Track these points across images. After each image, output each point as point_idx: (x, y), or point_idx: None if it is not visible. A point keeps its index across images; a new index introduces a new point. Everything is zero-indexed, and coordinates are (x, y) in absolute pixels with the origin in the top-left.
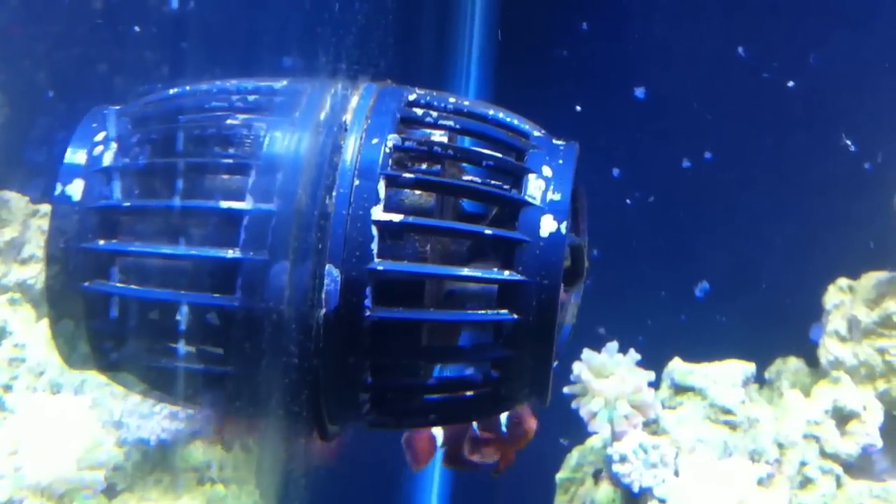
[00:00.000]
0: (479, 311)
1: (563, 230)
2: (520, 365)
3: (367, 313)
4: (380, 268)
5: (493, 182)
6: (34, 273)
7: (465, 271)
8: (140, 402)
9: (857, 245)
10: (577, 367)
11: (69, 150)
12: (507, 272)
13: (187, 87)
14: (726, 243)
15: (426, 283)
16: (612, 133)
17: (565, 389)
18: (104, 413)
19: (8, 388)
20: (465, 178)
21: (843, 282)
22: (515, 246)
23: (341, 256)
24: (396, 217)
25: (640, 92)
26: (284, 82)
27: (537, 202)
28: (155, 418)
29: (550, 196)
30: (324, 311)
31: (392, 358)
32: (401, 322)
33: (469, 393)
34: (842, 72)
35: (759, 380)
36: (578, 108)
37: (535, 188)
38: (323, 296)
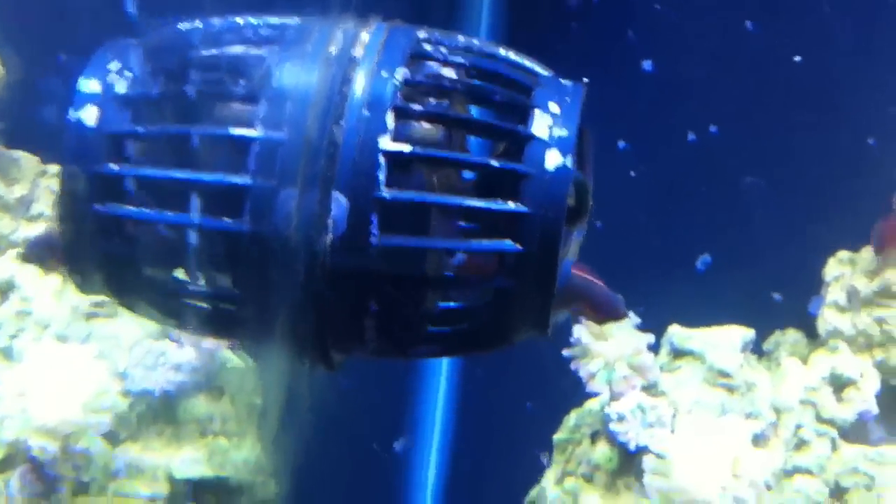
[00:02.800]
0: (484, 241)
1: (569, 164)
2: (522, 296)
3: (374, 240)
4: (387, 195)
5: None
6: (43, 230)
7: (471, 201)
8: (145, 354)
9: (858, 220)
10: (577, 330)
11: (82, 78)
12: (511, 203)
13: (200, 23)
14: (729, 217)
15: (432, 214)
16: (619, 105)
17: (565, 352)
18: (109, 363)
19: (15, 337)
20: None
21: (843, 254)
22: (521, 178)
23: (349, 184)
24: (405, 147)
25: (647, 64)
26: (297, 19)
27: (544, 137)
28: (159, 370)
29: (557, 132)
30: (331, 236)
31: (397, 285)
32: (406, 249)
33: (471, 322)
34: (848, 47)
35: (758, 351)
36: (585, 79)
37: (541, 124)
38: (330, 222)
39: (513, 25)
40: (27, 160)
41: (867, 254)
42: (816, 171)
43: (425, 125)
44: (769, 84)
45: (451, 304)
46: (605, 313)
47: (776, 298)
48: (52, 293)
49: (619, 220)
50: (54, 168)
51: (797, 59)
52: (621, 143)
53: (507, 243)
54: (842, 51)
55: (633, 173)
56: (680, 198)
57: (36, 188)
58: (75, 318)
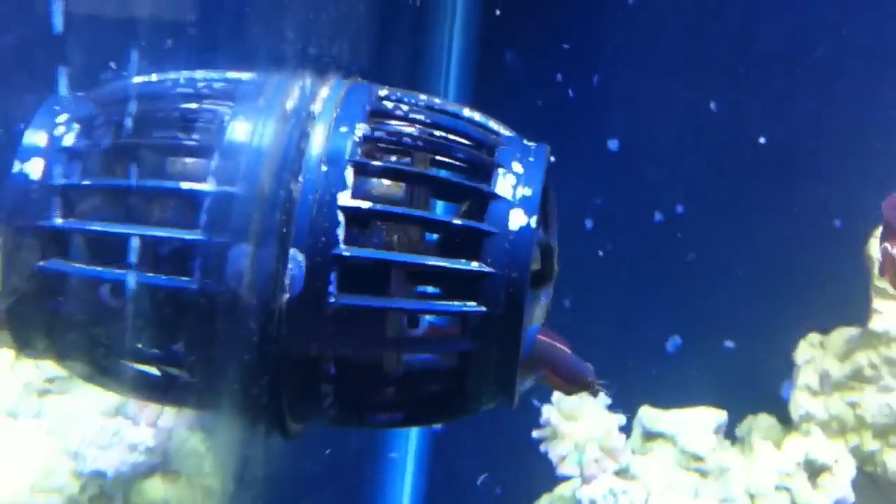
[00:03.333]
0: (446, 302)
1: (533, 224)
2: (486, 359)
3: (332, 300)
4: (346, 254)
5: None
6: None
7: (433, 260)
8: (99, 432)
9: (826, 301)
10: (547, 410)
11: (29, 130)
12: (474, 263)
13: (153, 76)
14: (697, 298)
15: (392, 273)
16: (585, 184)
17: (535, 433)
18: (61, 441)
19: None
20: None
21: (813, 337)
22: (484, 237)
23: (306, 242)
24: (364, 204)
25: (613, 144)
26: (253, 75)
27: (507, 196)
28: (114, 449)
29: (521, 191)
30: (287, 296)
31: (356, 347)
32: (366, 310)
33: (434, 388)
34: (812, 128)
35: (731, 437)
36: (552, 158)
37: (504, 183)
38: (287, 281)
39: (479, 102)
40: None
41: (837, 336)
42: (784, 252)
43: (386, 182)
44: (735, 165)
45: (413, 368)
46: (572, 382)
47: (746, 380)
48: (2, 369)
49: (587, 300)
50: None
51: (762, 140)
52: (588, 223)
53: (471, 305)
54: (806, 132)
55: (600, 252)
56: (647, 278)
57: None
58: (27, 394)
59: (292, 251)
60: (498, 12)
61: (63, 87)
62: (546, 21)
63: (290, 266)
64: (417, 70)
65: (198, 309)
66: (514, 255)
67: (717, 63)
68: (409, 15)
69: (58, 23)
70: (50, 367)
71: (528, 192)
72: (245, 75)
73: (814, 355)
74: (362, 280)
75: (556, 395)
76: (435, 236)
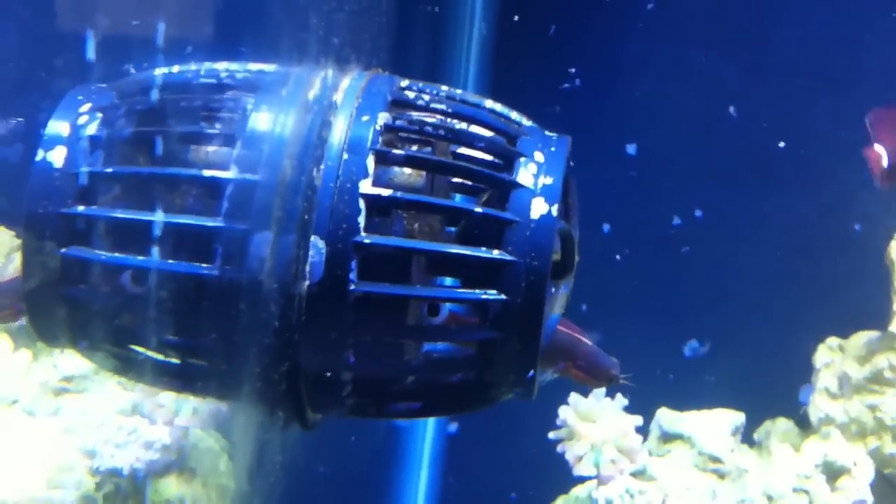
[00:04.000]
0: (467, 290)
1: (555, 213)
2: (506, 348)
3: (352, 287)
4: (366, 241)
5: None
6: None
7: (454, 248)
8: (115, 430)
9: (845, 305)
10: (564, 412)
11: (52, 120)
12: (496, 251)
13: (175, 68)
14: (715, 302)
15: (413, 261)
16: (603, 188)
17: (551, 435)
18: (77, 440)
19: None
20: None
21: (832, 341)
22: (505, 226)
23: (327, 228)
24: (385, 191)
25: (631, 148)
26: (275, 66)
27: (529, 185)
28: (130, 448)
29: (542, 180)
30: (307, 283)
31: (376, 334)
32: (386, 297)
33: (453, 377)
34: (829, 133)
35: (749, 441)
36: (571, 163)
37: (526, 172)
38: (307, 268)
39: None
40: (1, 234)
41: (857, 340)
42: (803, 255)
43: (407, 171)
44: (754, 169)
45: (433, 356)
46: (594, 374)
47: (765, 384)
48: (20, 368)
49: (605, 303)
50: None
51: (781, 144)
52: (606, 227)
53: (491, 293)
54: (825, 137)
55: (618, 256)
56: (665, 282)
57: (10, 263)
58: (44, 392)
59: (313, 238)
60: (516, 18)
61: (86, 78)
62: (564, 27)
63: (311, 253)
64: (435, 75)
65: (219, 295)
66: (535, 244)
67: (735, 67)
68: (428, 22)
69: (82, 15)
70: (67, 366)
71: (549, 181)
72: (267, 66)
73: (833, 358)
74: (383, 268)
75: (573, 397)
76: (454, 228)
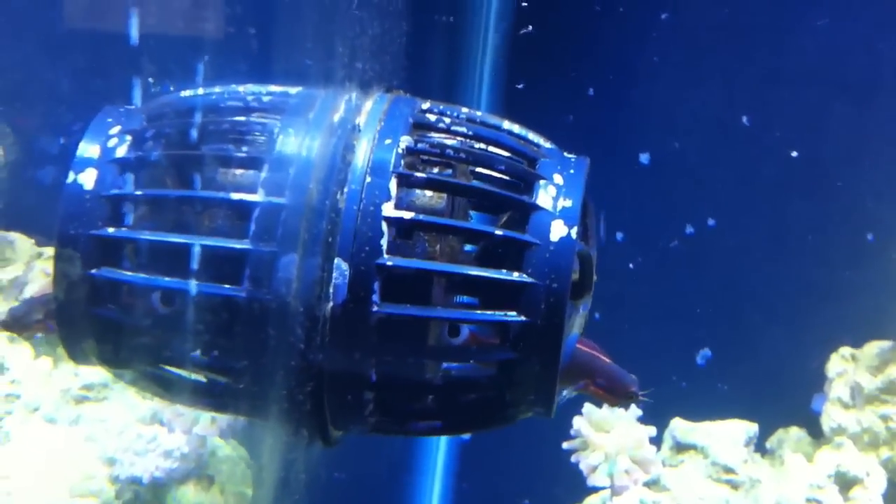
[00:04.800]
0: (487, 312)
1: (574, 235)
2: (526, 368)
3: (375, 308)
4: (389, 263)
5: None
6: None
7: (475, 270)
8: (135, 439)
9: (857, 315)
10: (578, 422)
11: (83, 142)
12: (515, 273)
13: (202, 90)
14: (728, 310)
15: (434, 283)
16: (616, 197)
17: (565, 445)
18: (98, 448)
19: (2, 420)
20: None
21: (845, 350)
22: (525, 248)
23: (350, 251)
24: (407, 214)
25: (644, 157)
26: (299, 89)
27: (548, 208)
28: (149, 456)
29: (561, 203)
30: (331, 304)
31: (398, 355)
32: (408, 319)
33: (473, 396)
34: (843, 142)
35: (761, 449)
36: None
37: (545, 194)
38: (331, 289)
39: (509, 118)
40: (22, 242)
41: (869, 349)
42: (816, 265)
43: (428, 193)
44: (767, 178)
45: (453, 376)
46: (613, 392)
47: (777, 393)
48: (41, 376)
49: (618, 312)
50: (49, 250)
51: (794, 154)
52: (619, 235)
53: (511, 314)
54: (838, 146)
55: (631, 265)
56: (678, 290)
57: (30, 270)
58: (64, 400)
59: (337, 260)
60: (530, 28)
61: (116, 101)
62: (578, 36)
63: (334, 275)
64: (451, 85)
65: (247, 316)
66: (555, 266)
67: (749, 78)
68: (444, 31)
69: (133, 35)
70: (88, 374)
71: (568, 203)
72: (292, 89)
73: (846, 368)
74: (405, 289)
75: (587, 407)
76: (474, 247)
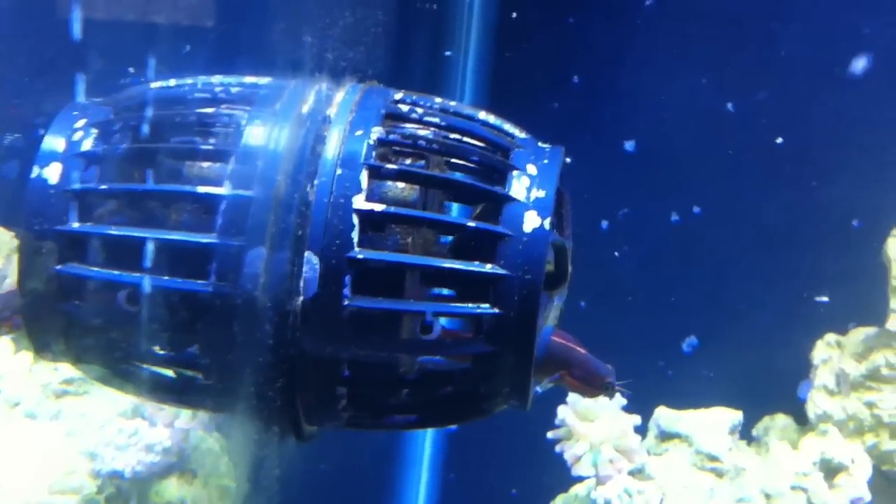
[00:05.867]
0: (460, 304)
1: (547, 226)
2: (500, 361)
3: (346, 302)
4: (360, 256)
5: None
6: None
7: (447, 263)
8: (117, 433)
9: (843, 302)
10: (562, 411)
11: (47, 136)
12: (488, 266)
13: (171, 82)
14: (714, 298)
15: (406, 276)
16: (602, 185)
17: (549, 434)
18: (79, 442)
19: None
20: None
21: (830, 337)
22: (498, 240)
23: (321, 244)
24: (378, 206)
25: (629, 145)
26: (269, 80)
27: (521, 198)
28: (131, 450)
29: (535, 193)
30: (301, 298)
31: (370, 349)
32: (380, 312)
33: (448, 390)
34: (830, 129)
35: (747, 437)
36: (568, 159)
37: (519, 185)
38: (301, 283)
39: (494, 104)
40: (2, 235)
41: (854, 336)
42: (801, 252)
43: (400, 185)
44: (752, 166)
45: (428, 370)
46: (589, 383)
47: (763, 381)
48: (21, 371)
49: (603, 301)
50: None
51: (779, 140)
52: (604, 224)
53: (484, 307)
54: (824, 133)
55: (616, 253)
56: (664, 279)
57: (10, 264)
58: (45, 395)
59: (307, 254)
60: (514, 15)
61: (81, 94)
62: (562, 23)
63: (305, 269)
64: (434, 73)
65: (213, 312)
66: (528, 257)
67: (734, 65)
68: (427, 18)
69: (77, 30)
70: (67, 369)
71: (541, 193)
72: (262, 80)
73: (831, 355)
74: (377, 282)
75: (571, 396)
76: (449, 238)
